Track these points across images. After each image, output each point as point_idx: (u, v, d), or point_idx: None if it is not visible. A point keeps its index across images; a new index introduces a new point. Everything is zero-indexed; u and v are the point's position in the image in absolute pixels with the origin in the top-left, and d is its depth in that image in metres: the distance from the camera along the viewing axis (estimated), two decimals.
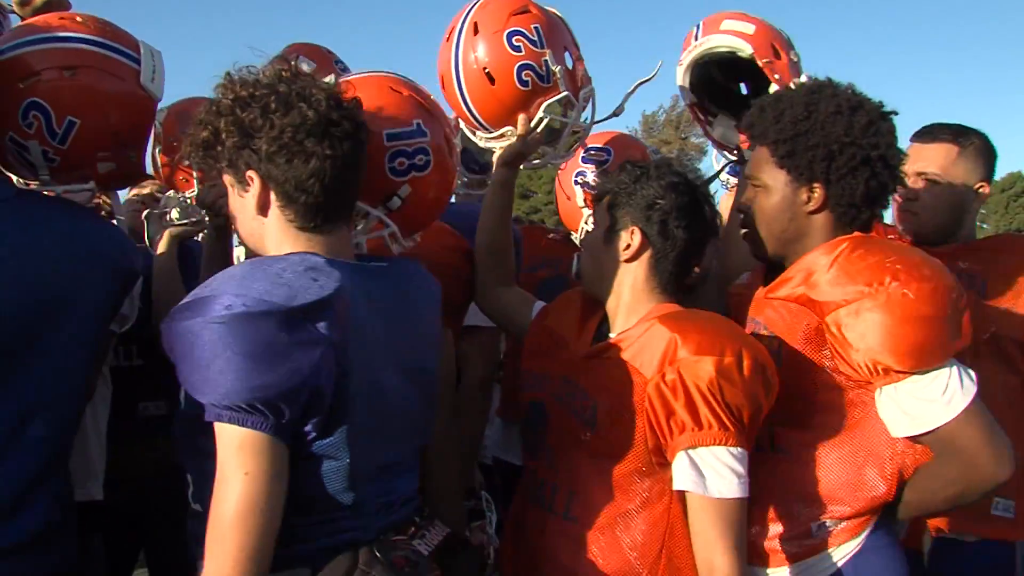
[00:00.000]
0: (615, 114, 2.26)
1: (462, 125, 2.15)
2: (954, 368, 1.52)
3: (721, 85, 2.43)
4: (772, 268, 1.78)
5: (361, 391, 1.31)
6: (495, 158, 2.07)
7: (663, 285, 1.69)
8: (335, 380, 1.25)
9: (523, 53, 1.95)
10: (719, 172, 2.77)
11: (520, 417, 1.87)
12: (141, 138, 1.83)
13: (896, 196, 2.13)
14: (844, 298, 1.54)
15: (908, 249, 1.64)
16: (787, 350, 1.62)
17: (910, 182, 2.17)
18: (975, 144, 2.20)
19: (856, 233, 1.67)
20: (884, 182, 1.66)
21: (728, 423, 1.46)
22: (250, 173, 1.35)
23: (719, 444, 1.47)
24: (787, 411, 1.61)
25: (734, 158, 2.40)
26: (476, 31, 1.99)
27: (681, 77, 2.35)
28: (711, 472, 1.48)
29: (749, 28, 2.27)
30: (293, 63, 1.44)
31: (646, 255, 1.68)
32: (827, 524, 1.62)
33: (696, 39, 2.31)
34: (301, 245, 1.38)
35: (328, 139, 1.34)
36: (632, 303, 1.69)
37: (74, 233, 1.67)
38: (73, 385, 1.67)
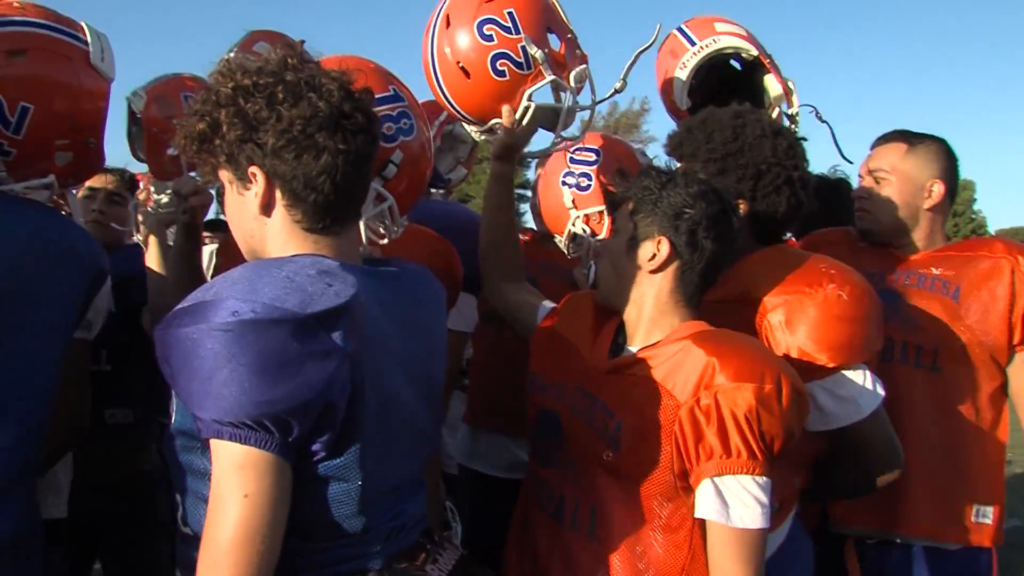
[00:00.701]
0: (617, 91, 2.22)
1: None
2: (867, 372, 1.68)
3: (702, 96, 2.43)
4: None
5: (374, 407, 1.20)
6: (490, 150, 2.00)
7: (687, 298, 1.61)
8: (349, 395, 1.14)
9: (496, 42, 1.86)
10: None
11: (529, 422, 1.79)
12: (97, 122, 1.74)
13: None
14: (785, 297, 1.67)
15: (828, 257, 1.78)
16: None
17: (864, 182, 2.23)
18: (927, 144, 2.20)
19: (781, 245, 1.86)
20: (801, 201, 1.82)
21: (758, 452, 1.42)
22: (253, 169, 1.23)
23: (746, 473, 1.42)
24: None
25: None
26: (448, 23, 1.91)
27: (685, 80, 2.30)
28: (736, 501, 1.43)
29: (743, 31, 2.27)
30: (299, 49, 1.31)
31: (673, 266, 1.59)
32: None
33: (692, 44, 2.29)
34: (308, 247, 1.26)
35: (341, 132, 1.22)
36: (655, 316, 1.61)
37: (43, 229, 1.58)
38: (35, 390, 1.55)
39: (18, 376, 1.51)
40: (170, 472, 1.26)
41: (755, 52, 2.20)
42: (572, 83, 1.97)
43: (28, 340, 1.52)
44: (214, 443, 1.09)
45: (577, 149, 2.63)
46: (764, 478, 1.43)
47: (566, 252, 2.67)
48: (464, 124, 2.08)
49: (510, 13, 1.87)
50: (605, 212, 2.50)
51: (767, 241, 1.83)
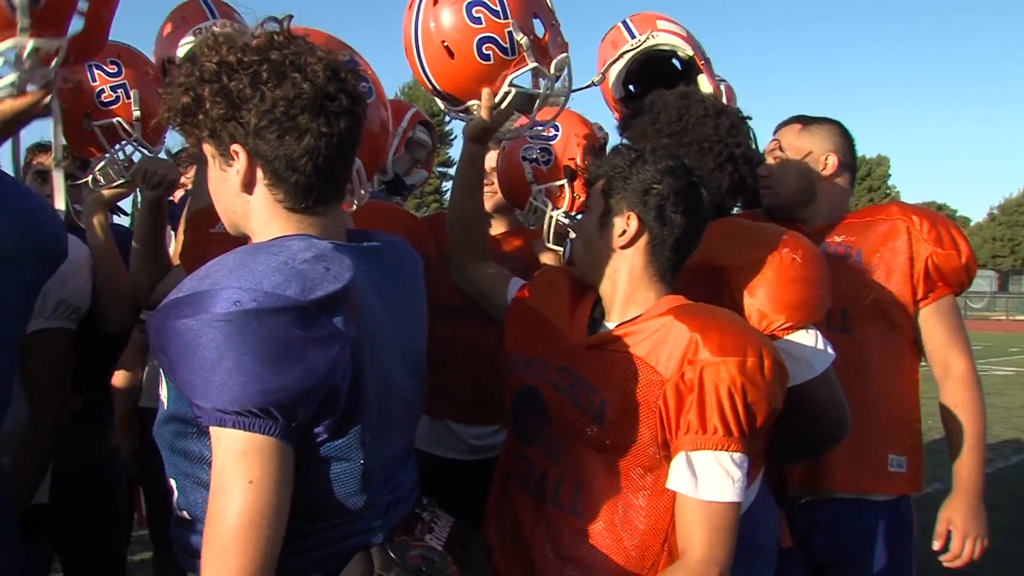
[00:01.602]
0: (594, 83, 2.24)
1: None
2: (819, 333, 1.76)
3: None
4: None
5: (374, 388, 1.21)
6: (463, 130, 1.99)
7: (661, 272, 1.64)
8: (350, 379, 1.15)
9: (483, 25, 1.86)
10: None
11: (505, 403, 1.80)
12: None
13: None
14: (746, 261, 1.75)
15: (779, 225, 1.88)
16: None
17: (766, 163, 2.33)
18: (820, 123, 2.32)
19: (732, 216, 1.92)
20: (744, 177, 1.91)
21: (734, 428, 1.44)
22: (235, 147, 1.21)
23: (721, 449, 1.45)
24: None
25: None
26: (436, 1, 1.89)
27: (619, 69, 2.36)
28: (706, 475, 1.46)
29: (683, 31, 2.34)
30: (286, 25, 1.28)
31: (642, 241, 1.62)
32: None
33: (631, 35, 2.34)
34: (292, 227, 1.25)
35: (324, 115, 1.20)
36: (630, 291, 1.64)
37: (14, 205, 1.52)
38: None
39: None
40: (162, 456, 1.25)
41: (691, 52, 2.27)
42: (552, 71, 1.98)
43: None
44: (216, 430, 1.08)
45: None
46: (739, 454, 1.46)
47: (526, 225, 2.69)
48: (439, 101, 2.06)
49: None
50: (566, 185, 2.53)
51: (716, 215, 1.84)
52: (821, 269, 1.77)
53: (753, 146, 1.94)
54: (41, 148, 2.53)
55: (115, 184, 2.29)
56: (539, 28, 1.95)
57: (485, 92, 1.90)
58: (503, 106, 1.94)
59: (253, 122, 1.19)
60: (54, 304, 2.03)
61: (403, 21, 1.96)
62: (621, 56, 2.39)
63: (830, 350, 1.76)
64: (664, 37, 2.28)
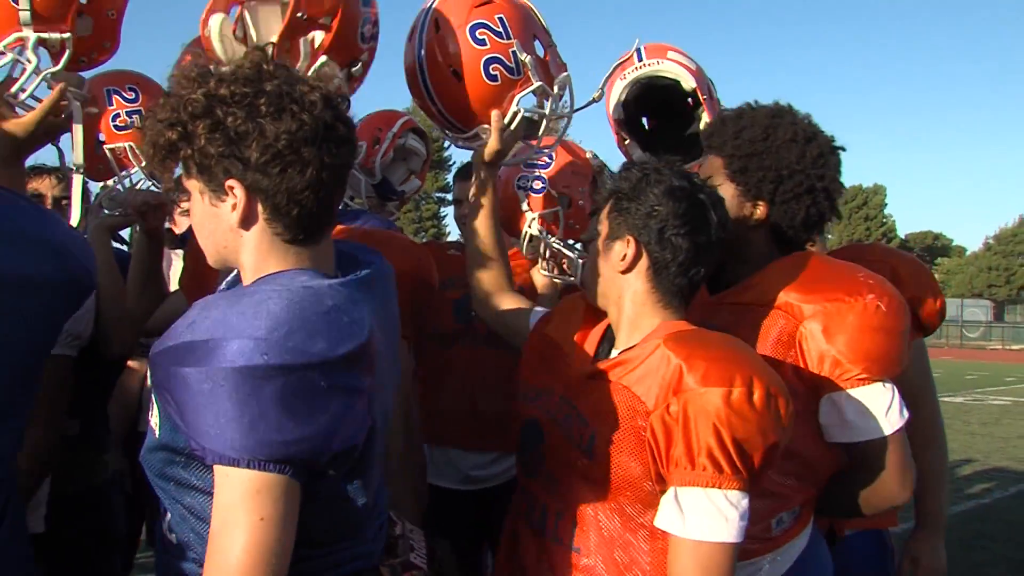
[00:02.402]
0: (594, 100, 2.25)
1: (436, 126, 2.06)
2: (895, 390, 1.65)
3: (632, 115, 2.48)
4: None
5: (381, 435, 1.23)
6: (472, 157, 1.99)
7: (667, 298, 1.56)
8: (366, 432, 1.16)
9: (488, 47, 1.87)
10: None
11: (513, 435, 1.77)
12: None
13: None
14: (825, 304, 1.63)
15: (863, 267, 1.75)
16: None
17: None
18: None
19: (808, 251, 1.80)
20: (823, 211, 1.78)
21: (725, 464, 1.34)
22: (231, 183, 1.16)
23: (712, 486, 1.35)
24: None
25: None
26: (438, 27, 1.90)
27: (620, 91, 2.37)
28: (695, 512, 1.36)
29: (691, 64, 2.35)
30: (270, 51, 1.26)
31: (643, 265, 1.55)
32: (784, 519, 1.71)
33: (640, 60, 2.37)
34: (290, 260, 1.22)
35: (326, 145, 1.18)
36: (635, 317, 1.57)
37: (43, 233, 1.52)
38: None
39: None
40: (150, 481, 1.23)
41: (692, 85, 2.25)
42: (556, 90, 1.99)
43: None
44: (223, 468, 1.06)
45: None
46: (735, 492, 1.35)
47: (522, 253, 2.71)
48: (446, 132, 2.06)
49: (501, 19, 1.89)
50: (560, 212, 2.54)
51: (786, 247, 1.80)
52: (906, 321, 1.67)
53: (840, 179, 1.81)
54: (36, 172, 2.54)
55: (118, 212, 2.31)
56: (539, 49, 1.98)
57: (495, 114, 1.90)
58: (512, 127, 1.94)
59: (255, 157, 1.14)
60: None
61: (405, 52, 1.98)
62: (623, 77, 2.40)
63: (905, 412, 1.66)
64: (668, 66, 2.27)
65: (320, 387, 1.06)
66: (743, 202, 1.77)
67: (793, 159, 1.73)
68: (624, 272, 1.58)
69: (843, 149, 1.82)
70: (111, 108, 2.30)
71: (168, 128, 1.17)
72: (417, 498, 2.18)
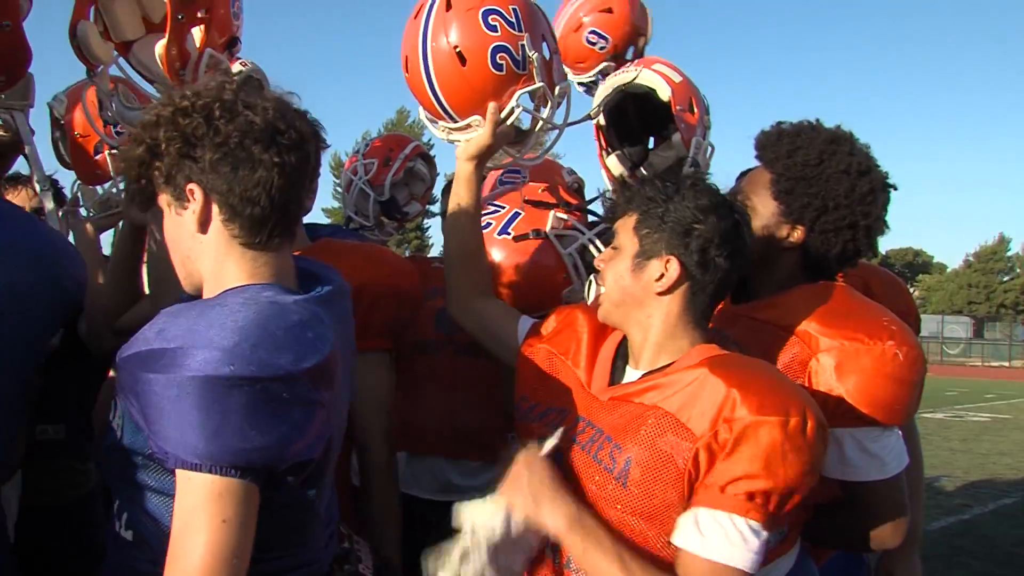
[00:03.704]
0: (589, 116, 2.23)
1: (423, 116, 2.00)
2: (899, 436, 1.64)
3: (630, 125, 2.47)
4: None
5: (336, 447, 1.28)
6: (458, 151, 1.92)
7: (697, 319, 1.49)
8: (324, 444, 1.21)
9: (499, 34, 1.81)
10: (593, 200, 2.68)
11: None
12: (10, 5, 1.74)
13: None
14: (843, 342, 1.60)
15: (889, 311, 1.71)
16: None
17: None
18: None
19: (839, 282, 1.78)
20: (860, 248, 1.75)
21: (759, 496, 1.29)
22: (191, 186, 1.24)
23: (739, 513, 1.30)
24: None
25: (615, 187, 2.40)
26: (449, 7, 1.83)
27: (598, 97, 2.36)
28: (715, 533, 1.31)
29: (676, 77, 2.33)
30: (236, 77, 1.35)
31: (682, 287, 1.46)
32: (770, 540, 1.65)
33: (626, 69, 2.38)
34: (246, 264, 1.27)
35: (275, 147, 1.25)
36: (663, 339, 1.48)
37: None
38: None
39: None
40: (109, 479, 1.29)
41: (668, 96, 2.23)
42: (555, 97, 1.95)
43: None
44: (185, 472, 1.10)
45: (506, 173, 2.58)
46: (758, 523, 1.30)
47: None
48: (428, 119, 1.99)
49: (515, 10, 1.84)
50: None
51: (814, 276, 1.77)
52: (920, 373, 1.64)
53: (885, 218, 1.77)
54: (11, 182, 2.53)
55: (102, 215, 2.30)
56: (546, 51, 1.94)
57: (492, 106, 1.83)
58: (508, 122, 1.87)
59: (208, 156, 1.23)
60: None
61: (407, 30, 1.91)
62: (603, 81, 2.40)
63: (906, 457, 1.65)
64: (646, 75, 2.26)
65: (283, 399, 1.11)
66: (782, 222, 1.75)
67: (842, 192, 1.69)
68: (661, 293, 1.48)
69: (895, 188, 1.77)
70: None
71: (137, 144, 1.27)
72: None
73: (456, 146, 1.94)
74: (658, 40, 2.75)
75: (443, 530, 2.66)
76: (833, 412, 1.57)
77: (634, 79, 2.27)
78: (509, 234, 2.22)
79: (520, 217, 2.25)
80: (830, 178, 1.69)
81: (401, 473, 2.70)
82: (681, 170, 2.16)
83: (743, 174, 2.25)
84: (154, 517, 1.19)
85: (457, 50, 1.82)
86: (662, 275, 1.46)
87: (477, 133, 1.87)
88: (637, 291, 1.49)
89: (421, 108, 1.98)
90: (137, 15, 1.77)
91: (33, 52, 1.82)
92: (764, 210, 1.74)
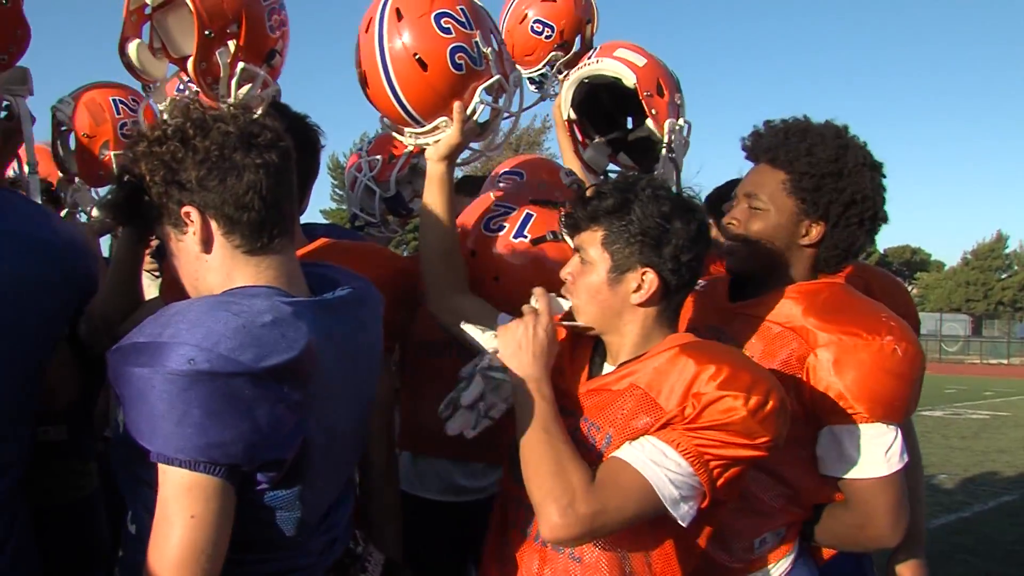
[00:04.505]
0: (542, 98, 2.26)
1: (386, 125, 2.03)
2: (899, 433, 1.64)
3: (605, 111, 2.48)
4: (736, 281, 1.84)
5: (319, 450, 1.28)
6: (428, 153, 1.95)
7: (671, 318, 1.58)
8: (298, 444, 1.21)
9: (454, 35, 1.85)
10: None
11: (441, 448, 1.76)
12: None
13: None
14: (840, 337, 1.62)
15: (887, 308, 1.73)
16: None
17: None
18: None
19: (836, 278, 1.79)
20: (872, 238, 1.78)
21: (708, 456, 1.39)
22: (186, 209, 1.28)
23: (679, 451, 1.39)
24: None
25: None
26: (400, 16, 1.86)
27: (565, 93, 2.38)
28: (651, 452, 1.41)
29: (640, 60, 2.32)
30: (196, 98, 1.39)
31: (657, 294, 1.52)
32: (768, 539, 1.71)
33: (589, 59, 2.37)
34: (251, 271, 1.30)
35: (255, 149, 1.28)
36: (640, 341, 1.55)
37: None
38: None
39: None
40: (116, 475, 1.31)
41: (633, 82, 2.21)
42: (511, 86, 1.99)
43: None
44: (162, 466, 1.14)
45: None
46: (689, 461, 1.39)
47: None
48: (393, 128, 2.02)
49: (462, 9, 1.88)
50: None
51: (828, 269, 1.80)
52: (919, 370, 1.65)
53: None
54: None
55: (101, 218, 2.33)
56: (495, 43, 1.98)
57: (458, 105, 1.87)
58: (474, 118, 1.92)
59: (194, 175, 1.26)
60: None
61: (361, 46, 1.93)
62: (567, 77, 2.41)
63: (905, 456, 1.65)
64: (608, 63, 2.25)
65: (244, 395, 1.13)
66: (801, 219, 1.74)
67: (866, 184, 1.71)
68: (640, 304, 1.53)
69: (884, 175, 1.79)
70: (119, 117, 2.34)
71: (120, 189, 1.31)
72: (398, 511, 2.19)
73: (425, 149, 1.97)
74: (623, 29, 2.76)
75: (450, 534, 2.68)
76: (831, 408, 1.60)
77: (595, 71, 2.27)
78: (526, 237, 2.20)
79: (533, 219, 2.26)
80: (852, 172, 1.70)
81: (406, 474, 2.72)
82: (657, 158, 2.15)
83: (731, 183, 2.22)
84: (149, 511, 1.20)
85: (417, 57, 1.85)
86: (639, 287, 1.51)
87: (445, 134, 1.90)
88: (616, 304, 1.54)
89: (384, 118, 2.01)
90: (191, 23, 1.78)
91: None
92: (780, 210, 1.74)
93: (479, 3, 1.99)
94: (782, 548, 1.73)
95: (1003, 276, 56.37)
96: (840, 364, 1.60)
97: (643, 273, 1.51)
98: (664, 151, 2.27)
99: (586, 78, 2.26)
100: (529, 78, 2.76)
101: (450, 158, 1.93)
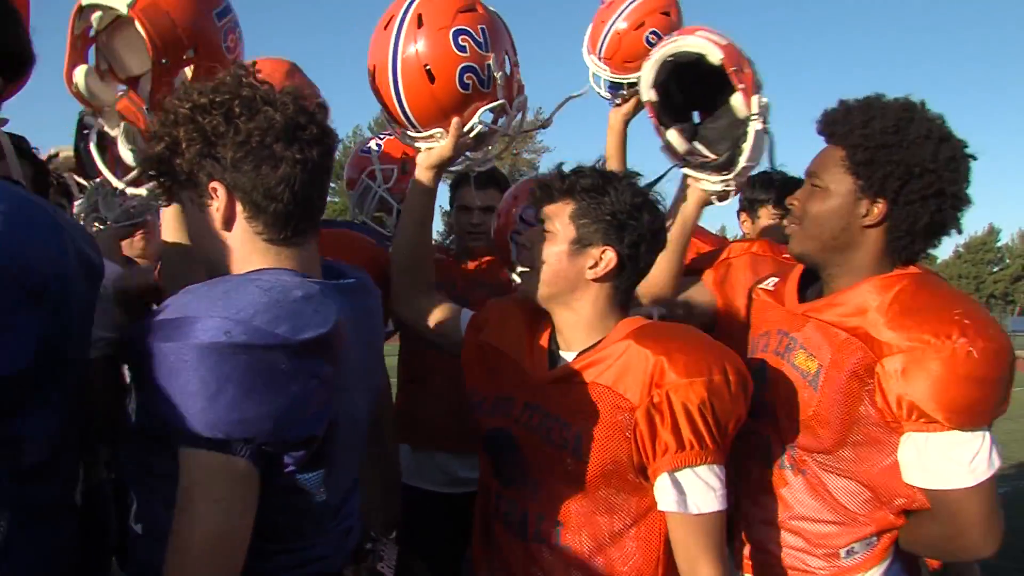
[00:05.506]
0: (543, 126, 2.25)
1: (384, 116, 2.02)
2: (989, 438, 1.51)
3: (674, 100, 2.44)
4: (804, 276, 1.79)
5: (344, 431, 1.26)
6: (419, 159, 1.97)
7: (622, 303, 1.64)
8: (327, 420, 1.19)
9: (468, 54, 1.85)
10: (662, 177, 2.71)
11: (480, 442, 1.77)
12: None
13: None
14: (908, 344, 1.49)
15: (969, 300, 1.58)
16: (828, 377, 1.59)
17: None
18: None
19: (912, 269, 1.64)
20: (947, 220, 1.61)
21: (709, 441, 1.46)
22: (214, 184, 1.25)
23: (700, 463, 1.47)
24: (814, 436, 1.61)
25: (677, 163, 2.32)
26: (420, 23, 1.86)
27: (647, 73, 2.34)
28: (692, 490, 1.48)
29: (722, 39, 2.29)
30: (252, 69, 1.32)
31: (613, 275, 1.60)
32: (856, 548, 1.64)
33: (666, 39, 2.30)
34: (270, 259, 1.28)
35: (297, 143, 1.25)
36: (593, 320, 1.61)
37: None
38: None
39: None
40: (124, 470, 1.27)
41: (720, 58, 2.08)
42: (513, 110, 1.99)
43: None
44: (186, 450, 1.10)
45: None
46: (717, 465, 1.50)
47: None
48: (398, 127, 2.02)
49: (483, 29, 1.87)
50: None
51: (898, 256, 1.65)
52: (1002, 368, 1.48)
53: (968, 190, 1.62)
54: None
55: (122, 224, 2.29)
56: (507, 65, 1.98)
57: (456, 121, 1.88)
58: (469, 136, 1.92)
59: (230, 155, 1.23)
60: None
61: (375, 40, 1.92)
62: (648, 58, 2.36)
63: (996, 461, 1.50)
64: (691, 40, 2.13)
65: (280, 369, 1.11)
66: (860, 198, 1.61)
67: (927, 157, 1.56)
68: (596, 280, 1.60)
69: (974, 158, 1.63)
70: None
71: (157, 141, 1.25)
72: (391, 499, 2.20)
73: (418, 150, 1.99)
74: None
75: (449, 525, 2.69)
76: (908, 417, 1.50)
77: (679, 48, 2.14)
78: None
79: None
80: (911, 144, 1.57)
81: (406, 466, 2.74)
82: (744, 134, 2.01)
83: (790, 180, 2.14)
84: (166, 504, 1.16)
85: (427, 68, 1.85)
86: (596, 263, 1.58)
87: (439, 144, 1.91)
88: (572, 275, 1.60)
89: (383, 110, 2.01)
90: (142, 49, 1.71)
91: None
92: (839, 188, 1.63)
93: (502, 23, 1.98)
94: (872, 559, 1.65)
95: (995, 269, 56.72)
96: (909, 374, 1.48)
97: (603, 251, 1.58)
98: (753, 125, 2.12)
99: (670, 56, 2.14)
100: (617, 83, 2.65)
101: (438, 168, 1.96)
